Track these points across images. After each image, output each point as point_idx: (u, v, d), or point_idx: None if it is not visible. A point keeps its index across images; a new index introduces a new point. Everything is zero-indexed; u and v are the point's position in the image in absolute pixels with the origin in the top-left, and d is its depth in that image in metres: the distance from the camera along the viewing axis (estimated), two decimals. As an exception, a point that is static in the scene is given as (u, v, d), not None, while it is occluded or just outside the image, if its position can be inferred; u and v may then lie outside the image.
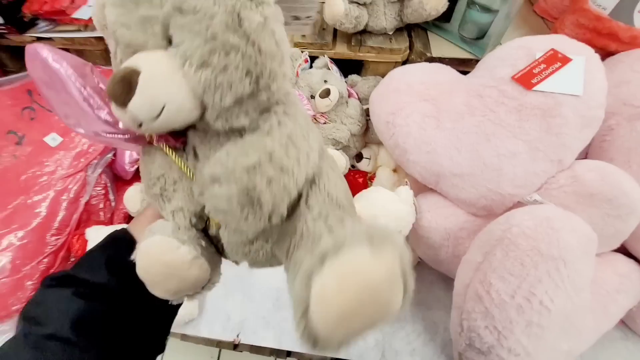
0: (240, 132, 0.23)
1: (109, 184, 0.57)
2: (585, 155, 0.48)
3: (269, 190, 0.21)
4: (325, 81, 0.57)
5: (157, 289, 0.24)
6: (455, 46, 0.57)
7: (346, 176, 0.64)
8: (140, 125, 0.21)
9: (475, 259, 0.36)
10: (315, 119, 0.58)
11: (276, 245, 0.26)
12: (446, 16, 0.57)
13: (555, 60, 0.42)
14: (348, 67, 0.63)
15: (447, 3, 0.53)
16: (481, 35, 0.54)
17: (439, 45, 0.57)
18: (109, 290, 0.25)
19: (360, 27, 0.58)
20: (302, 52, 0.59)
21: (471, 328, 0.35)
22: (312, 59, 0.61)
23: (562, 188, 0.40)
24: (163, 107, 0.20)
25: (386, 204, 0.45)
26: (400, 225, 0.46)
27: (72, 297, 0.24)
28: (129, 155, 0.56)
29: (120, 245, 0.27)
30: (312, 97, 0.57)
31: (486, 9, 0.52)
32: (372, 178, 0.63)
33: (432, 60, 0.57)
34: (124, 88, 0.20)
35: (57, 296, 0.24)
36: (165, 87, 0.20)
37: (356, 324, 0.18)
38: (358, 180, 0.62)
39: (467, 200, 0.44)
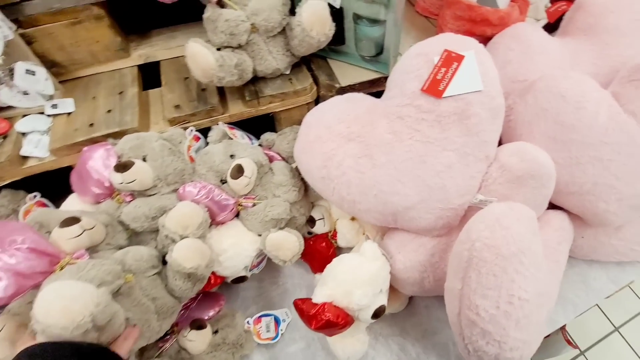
0: None
1: None
2: (500, 139, 0.49)
3: None
4: (231, 156, 0.44)
5: None
6: (360, 68, 0.51)
7: (307, 247, 0.52)
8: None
9: (456, 287, 0.37)
10: (239, 205, 0.44)
11: None
12: (339, 38, 0.51)
13: (451, 60, 0.40)
14: (256, 125, 0.51)
15: (333, 24, 0.45)
16: (379, 50, 0.49)
17: (344, 72, 0.50)
18: None
19: (248, 76, 0.46)
20: (185, 130, 0.44)
21: (476, 349, 0.37)
22: (204, 133, 0.46)
23: (496, 181, 0.41)
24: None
25: (355, 273, 0.39)
26: (378, 283, 0.40)
27: None
28: None
29: None
30: (223, 181, 0.43)
31: (374, 21, 0.47)
32: (334, 236, 0.53)
33: (342, 90, 0.49)
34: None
35: None
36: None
37: None
38: (321, 246, 0.52)
39: (428, 226, 0.42)
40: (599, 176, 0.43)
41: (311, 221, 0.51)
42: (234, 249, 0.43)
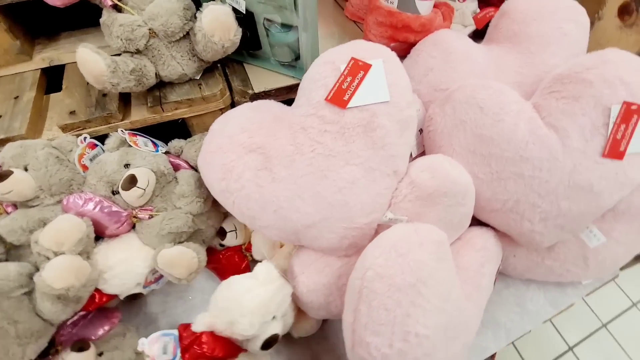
0: None
1: None
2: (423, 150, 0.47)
3: None
4: (126, 165, 0.41)
5: None
6: (277, 74, 0.49)
7: (219, 261, 0.49)
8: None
9: (348, 320, 0.33)
10: (134, 217, 0.41)
11: None
12: (255, 43, 0.49)
13: (358, 69, 0.37)
14: (172, 131, 0.48)
15: (239, 29, 0.43)
16: (296, 55, 0.47)
17: (260, 78, 0.48)
18: None
19: (150, 81, 0.43)
20: (78, 137, 0.41)
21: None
22: (104, 140, 0.44)
23: (406, 198, 0.38)
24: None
25: (241, 300, 0.35)
26: (270, 310, 0.36)
27: None
28: None
29: None
30: (115, 192, 0.40)
31: (286, 26, 0.44)
32: (248, 248, 0.50)
33: (255, 97, 0.47)
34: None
35: None
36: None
37: None
38: (234, 260, 0.49)
39: (331, 247, 0.38)
40: (521, 193, 0.40)
41: (222, 233, 0.48)
42: (123, 266, 0.40)
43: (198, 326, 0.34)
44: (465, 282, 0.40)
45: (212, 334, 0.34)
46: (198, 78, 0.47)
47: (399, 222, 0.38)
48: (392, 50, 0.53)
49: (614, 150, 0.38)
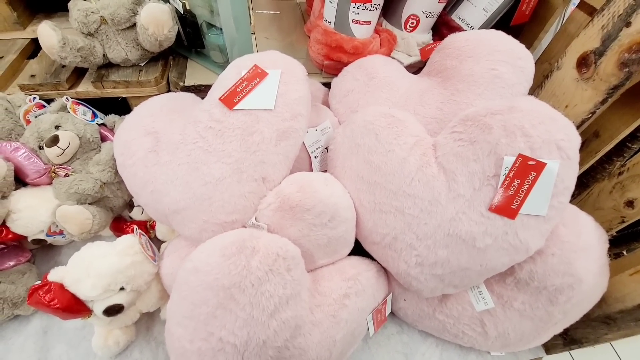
0: None
1: None
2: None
3: None
4: (57, 126, 0.47)
5: None
6: (213, 73, 0.52)
7: (123, 230, 0.53)
8: None
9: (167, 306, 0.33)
10: (53, 172, 0.47)
11: None
12: (200, 42, 0.53)
13: (256, 76, 0.39)
14: (115, 107, 0.55)
15: (175, 26, 0.47)
16: (227, 57, 0.51)
17: (196, 74, 0.51)
18: None
19: (96, 61, 0.49)
20: (28, 96, 0.49)
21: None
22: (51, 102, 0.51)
23: (270, 206, 0.37)
24: None
25: (93, 262, 0.37)
26: (118, 280, 0.37)
27: None
28: None
29: None
30: (41, 148, 0.47)
31: (220, 29, 0.48)
32: (153, 226, 0.53)
33: (186, 89, 0.51)
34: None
35: None
36: None
37: None
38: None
39: (192, 236, 0.39)
40: (399, 230, 0.37)
41: (131, 205, 0.52)
42: (29, 211, 0.45)
43: (51, 275, 0.37)
44: (318, 307, 0.38)
45: (61, 286, 0.37)
46: (142, 65, 0.52)
47: (260, 229, 0.38)
48: (326, 68, 0.54)
49: (505, 207, 0.33)
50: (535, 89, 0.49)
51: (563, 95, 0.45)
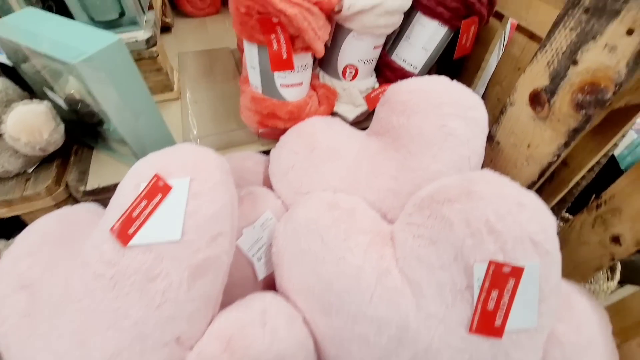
0: None
1: None
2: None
3: None
4: None
5: None
6: (124, 165, 0.42)
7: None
8: None
9: None
10: None
11: None
12: (100, 136, 0.43)
13: (156, 191, 0.28)
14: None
15: (58, 126, 0.37)
16: (132, 151, 0.42)
17: (102, 169, 0.41)
18: None
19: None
20: None
21: None
22: None
23: None
24: None
25: None
26: None
27: None
28: None
29: None
30: None
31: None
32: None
33: (90, 194, 0.40)
34: None
35: None
36: None
37: None
38: None
39: None
40: None
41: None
42: None
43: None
44: None
45: None
46: (30, 172, 0.42)
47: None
48: (263, 135, 0.46)
49: (487, 326, 0.25)
50: (493, 124, 0.44)
51: (522, 134, 0.41)
